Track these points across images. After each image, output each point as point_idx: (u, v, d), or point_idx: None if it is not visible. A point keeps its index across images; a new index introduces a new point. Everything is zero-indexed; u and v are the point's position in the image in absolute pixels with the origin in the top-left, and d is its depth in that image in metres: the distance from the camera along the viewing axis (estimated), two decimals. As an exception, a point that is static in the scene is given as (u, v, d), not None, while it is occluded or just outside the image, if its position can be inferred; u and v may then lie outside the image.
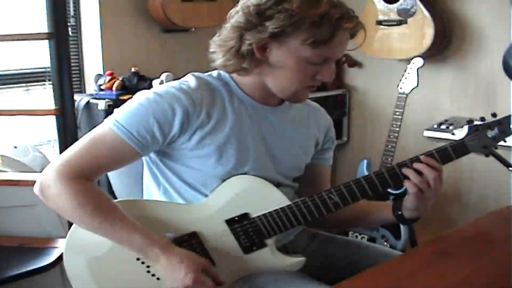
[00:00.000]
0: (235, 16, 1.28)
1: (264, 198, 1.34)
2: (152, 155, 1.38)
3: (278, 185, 1.38)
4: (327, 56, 1.27)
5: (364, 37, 1.32)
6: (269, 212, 1.32)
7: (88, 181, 1.27)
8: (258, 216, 1.33)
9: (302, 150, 1.46)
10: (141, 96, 1.29)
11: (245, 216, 1.33)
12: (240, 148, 1.33)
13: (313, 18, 1.21)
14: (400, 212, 1.40)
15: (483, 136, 1.31)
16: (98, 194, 1.28)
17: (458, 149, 1.31)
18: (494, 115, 1.35)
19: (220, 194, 1.34)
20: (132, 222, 1.26)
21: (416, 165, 1.30)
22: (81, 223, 1.28)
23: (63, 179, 1.25)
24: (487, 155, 1.33)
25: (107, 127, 1.28)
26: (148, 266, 1.32)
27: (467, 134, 1.32)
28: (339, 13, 1.23)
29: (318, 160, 1.52)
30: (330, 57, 1.28)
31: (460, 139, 1.32)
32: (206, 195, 1.35)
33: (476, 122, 1.34)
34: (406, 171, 1.31)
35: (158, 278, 1.32)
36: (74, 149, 1.29)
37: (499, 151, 1.35)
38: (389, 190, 2.55)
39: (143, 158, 1.40)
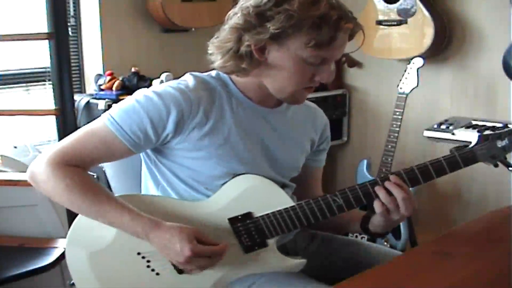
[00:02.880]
0: (233, 17, 1.28)
1: (268, 198, 1.35)
2: (151, 154, 1.38)
3: (282, 186, 1.38)
4: (326, 57, 1.27)
5: (363, 39, 1.32)
6: (272, 213, 1.33)
7: (78, 167, 1.29)
8: (261, 216, 1.33)
9: (299, 150, 1.46)
10: (139, 94, 1.30)
11: (248, 215, 1.33)
12: (238, 149, 1.33)
13: (313, 19, 1.21)
14: (366, 226, 1.40)
15: (493, 146, 1.30)
16: (86, 177, 1.29)
17: (467, 158, 1.30)
18: (505, 125, 1.34)
19: (224, 192, 1.34)
20: (121, 204, 1.27)
21: (386, 184, 1.28)
22: (71, 207, 1.30)
23: (52, 165, 1.27)
24: (495, 165, 1.31)
25: (102, 121, 1.29)
26: (148, 261, 1.32)
27: (477, 143, 1.30)
28: (338, 14, 1.23)
29: (312, 161, 1.53)
30: (328, 58, 1.28)
31: (470, 148, 1.30)
32: (204, 195, 1.35)
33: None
34: (379, 191, 1.28)
35: (158, 273, 1.33)
36: (67, 140, 1.31)
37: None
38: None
39: (142, 156, 1.40)
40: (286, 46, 1.25)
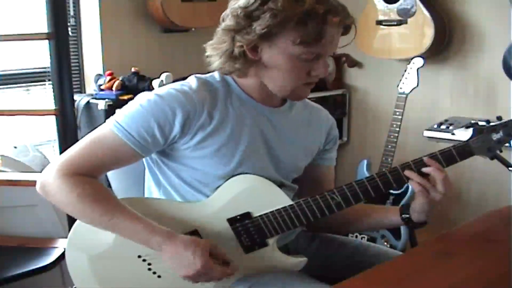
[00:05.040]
0: (226, 19, 1.29)
1: (266, 198, 1.35)
2: (154, 156, 1.38)
3: (280, 185, 1.38)
4: (318, 52, 1.27)
5: (355, 32, 1.31)
6: (271, 212, 1.33)
7: (88, 177, 1.28)
8: (260, 216, 1.33)
9: (302, 151, 1.46)
10: (142, 98, 1.30)
11: (247, 215, 1.33)
12: (241, 148, 1.33)
13: (298, 16, 1.20)
14: (407, 215, 1.40)
15: (488, 139, 1.30)
16: (97, 187, 1.28)
17: (463, 151, 1.31)
18: (499, 118, 1.34)
19: (222, 192, 1.34)
20: (133, 213, 1.27)
21: (424, 169, 1.30)
22: (83, 217, 1.29)
23: (62, 176, 1.26)
24: (491, 158, 1.32)
25: (108, 128, 1.29)
26: (149, 264, 1.32)
27: (472, 136, 1.31)
28: (324, 8, 1.21)
29: (321, 160, 1.53)
30: (322, 53, 1.27)
31: (465, 141, 1.31)
32: (206, 195, 1.35)
33: (480, 122, 1.33)
34: (410, 174, 1.31)
35: (159, 276, 1.33)
36: (74, 149, 1.30)
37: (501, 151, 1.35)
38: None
39: (144, 159, 1.40)
40: (276, 44, 1.25)
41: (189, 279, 1.25)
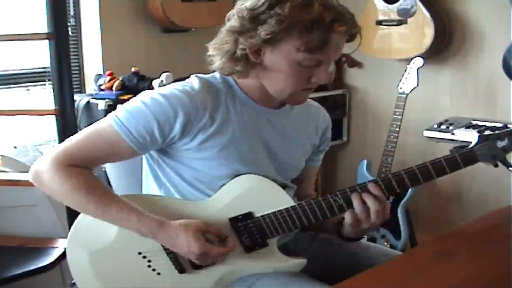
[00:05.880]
0: (232, 19, 1.28)
1: (268, 198, 1.35)
2: (154, 154, 1.38)
3: (283, 186, 1.38)
4: (321, 59, 1.26)
5: (360, 40, 1.31)
6: (273, 213, 1.33)
7: (82, 168, 1.29)
8: (262, 216, 1.33)
9: (302, 151, 1.46)
10: (145, 96, 1.30)
11: (248, 215, 1.34)
12: (242, 150, 1.33)
13: (304, 23, 1.20)
14: (340, 230, 1.40)
15: (493, 146, 1.30)
16: (91, 178, 1.29)
17: (467, 158, 1.30)
18: (505, 125, 1.33)
19: (225, 192, 1.35)
20: (127, 203, 1.27)
21: (363, 195, 1.27)
22: (78, 207, 1.29)
23: (57, 165, 1.27)
24: (495, 166, 1.31)
25: (107, 122, 1.29)
26: (149, 261, 1.33)
27: (477, 143, 1.30)
28: (331, 16, 1.20)
29: (311, 161, 1.53)
30: (324, 60, 1.27)
31: (470, 148, 1.30)
32: (206, 194, 1.35)
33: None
34: (355, 199, 1.27)
35: (158, 273, 1.33)
36: (72, 140, 1.31)
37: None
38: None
39: (144, 157, 1.40)
40: (279, 49, 1.25)
41: (197, 262, 1.28)
